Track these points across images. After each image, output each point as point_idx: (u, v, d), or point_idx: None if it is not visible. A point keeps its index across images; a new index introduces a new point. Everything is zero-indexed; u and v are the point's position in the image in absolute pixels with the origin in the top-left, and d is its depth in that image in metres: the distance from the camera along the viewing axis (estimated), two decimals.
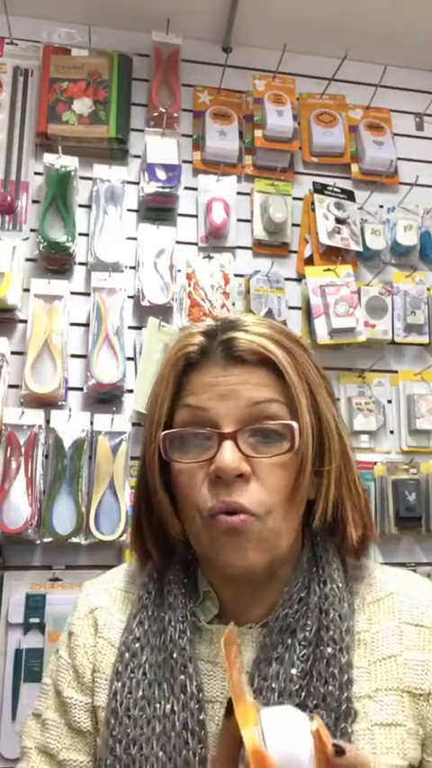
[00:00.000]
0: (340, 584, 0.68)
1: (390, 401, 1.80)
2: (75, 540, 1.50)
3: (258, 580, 0.69)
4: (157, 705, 0.64)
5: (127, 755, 0.63)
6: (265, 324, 0.71)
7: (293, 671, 0.62)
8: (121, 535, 1.51)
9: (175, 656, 0.66)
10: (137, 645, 0.69)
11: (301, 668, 0.63)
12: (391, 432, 1.78)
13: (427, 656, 0.68)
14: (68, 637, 0.78)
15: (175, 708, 0.63)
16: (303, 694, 0.62)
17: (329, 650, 0.64)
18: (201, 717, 0.63)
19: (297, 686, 0.62)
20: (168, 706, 0.64)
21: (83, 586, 0.83)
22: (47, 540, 1.50)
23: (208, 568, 0.73)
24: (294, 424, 0.66)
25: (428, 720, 0.66)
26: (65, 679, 0.75)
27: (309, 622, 0.65)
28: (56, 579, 1.52)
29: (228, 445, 0.64)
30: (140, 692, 0.66)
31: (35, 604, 1.48)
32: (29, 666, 1.45)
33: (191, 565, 0.74)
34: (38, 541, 1.51)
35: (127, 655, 0.69)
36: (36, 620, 1.47)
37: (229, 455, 0.64)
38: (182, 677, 0.65)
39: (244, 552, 0.64)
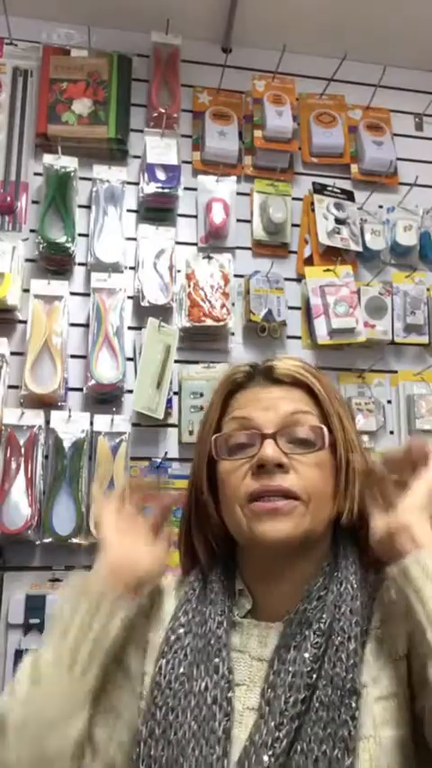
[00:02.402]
0: (355, 585, 0.76)
1: (390, 401, 1.80)
2: (75, 540, 1.50)
3: (287, 579, 0.78)
4: (195, 683, 0.74)
5: (165, 721, 0.73)
6: (298, 359, 0.87)
7: (306, 655, 0.72)
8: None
9: (212, 642, 0.76)
10: (181, 630, 0.79)
11: (314, 653, 0.72)
12: (391, 432, 1.78)
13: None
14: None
15: (209, 685, 0.73)
16: (315, 676, 0.71)
17: (339, 639, 0.73)
18: (229, 695, 0.73)
19: (309, 668, 0.71)
20: (203, 684, 0.74)
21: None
22: (47, 540, 1.50)
23: (246, 566, 0.83)
24: (324, 426, 0.79)
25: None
26: None
27: (324, 616, 0.74)
28: (56, 580, 1.52)
29: (269, 442, 0.77)
30: (182, 669, 0.76)
31: (35, 605, 1.48)
32: None
33: (230, 568, 0.84)
34: (38, 542, 1.51)
35: (172, 637, 0.79)
36: (36, 621, 1.47)
37: (270, 448, 0.76)
38: (216, 660, 0.75)
39: (282, 525, 0.75)
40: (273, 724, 0.69)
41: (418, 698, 0.70)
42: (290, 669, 0.72)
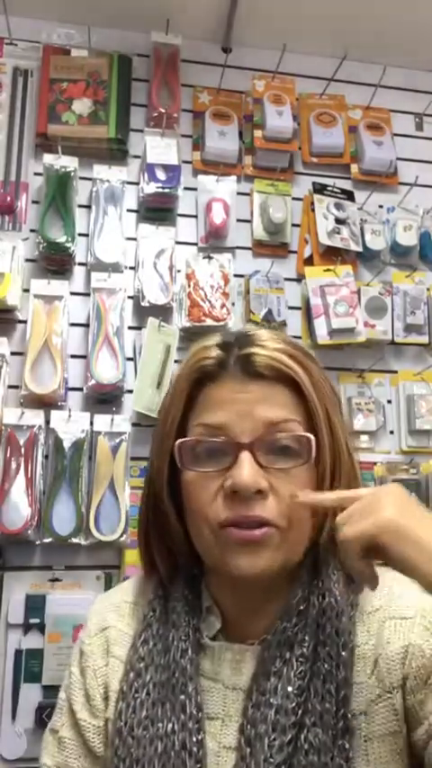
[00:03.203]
0: (339, 598, 0.68)
1: (390, 401, 1.80)
2: (75, 540, 1.50)
3: (261, 592, 0.70)
4: (160, 725, 0.65)
5: None
6: (281, 339, 0.72)
7: (290, 688, 0.63)
8: (120, 535, 1.51)
9: (176, 675, 0.67)
10: (141, 664, 0.70)
11: (298, 685, 0.63)
12: (391, 432, 1.78)
13: (404, 643, 0.66)
14: (80, 655, 0.78)
15: (176, 727, 0.64)
16: (300, 711, 0.62)
17: (326, 666, 0.64)
18: (199, 737, 0.64)
19: (294, 704, 0.62)
20: (170, 725, 0.65)
21: (96, 599, 0.84)
22: (47, 540, 1.50)
23: (213, 580, 0.74)
24: (311, 436, 0.67)
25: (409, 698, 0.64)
26: (77, 699, 0.75)
27: (306, 638, 0.65)
28: (56, 579, 1.52)
29: (245, 456, 0.65)
30: (144, 712, 0.67)
31: (35, 605, 1.48)
32: (29, 667, 1.45)
33: (195, 579, 0.75)
34: (38, 542, 1.51)
35: (131, 674, 0.70)
36: (36, 621, 1.47)
37: (247, 469, 0.64)
38: (182, 696, 0.66)
39: (259, 561, 0.65)
40: None
41: (415, 732, 0.63)
42: (272, 702, 0.63)
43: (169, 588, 0.74)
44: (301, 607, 0.67)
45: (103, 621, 0.78)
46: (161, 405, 0.75)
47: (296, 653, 0.65)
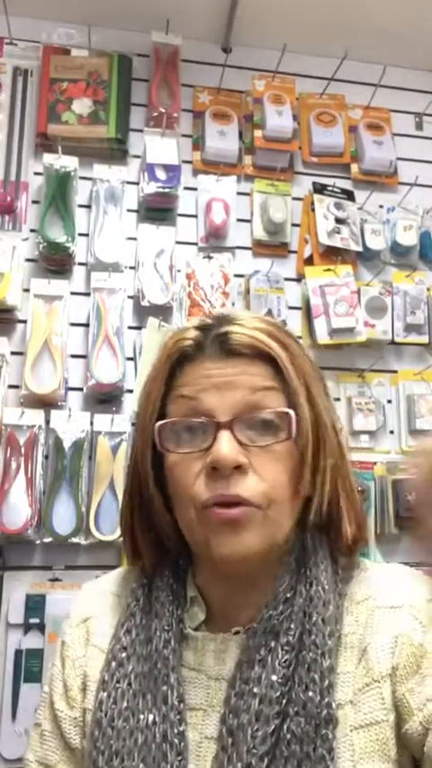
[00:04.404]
0: (326, 587, 0.67)
1: (390, 401, 1.80)
2: (75, 540, 1.50)
3: (246, 579, 0.69)
4: (141, 716, 0.64)
5: (109, 767, 0.63)
6: (260, 318, 0.72)
7: (274, 677, 0.62)
8: (120, 535, 1.51)
9: (159, 665, 0.66)
10: (123, 654, 0.69)
11: (282, 674, 0.62)
12: (391, 432, 1.78)
13: (393, 633, 0.66)
14: (61, 645, 0.77)
15: (157, 719, 0.63)
16: (284, 701, 0.61)
17: (311, 655, 0.63)
18: (181, 728, 0.63)
19: (278, 693, 0.61)
20: (151, 717, 0.64)
21: (81, 589, 0.83)
22: (47, 540, 1.50)
23: (199, 569, 0.73)
24: (291, 411, 0.66)
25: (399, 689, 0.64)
26: (57, 690, 0.75)
27: (292, 626, 0.64)
28: (56, 579, 1.52)
29: (224, 435, 0.64)
30: (125, 703, 0.65)
31: (35, 605, 1.48)
32: (29, 667, 1.45)
33: (180, 569, 0.74)
34: (38, 542, 1.51)
35: (113, 664, 0.68)
36: (36, 621, 1.47)
37: (225, 446, 0.63)
38: (164, 687, 0.65)
39: (242, 542, 0.64)
40: (240, 766, 0.59)
41: (407, 723, 0.62)
42: (255, 691, 0.61)
43: (153, 578, 0.73)
44: (288, 595, 0.67)
45: (85, 612, 0.77)
46: (141, 391, 0.74)
47: (281, 641, 0.64)
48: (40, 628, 1.47)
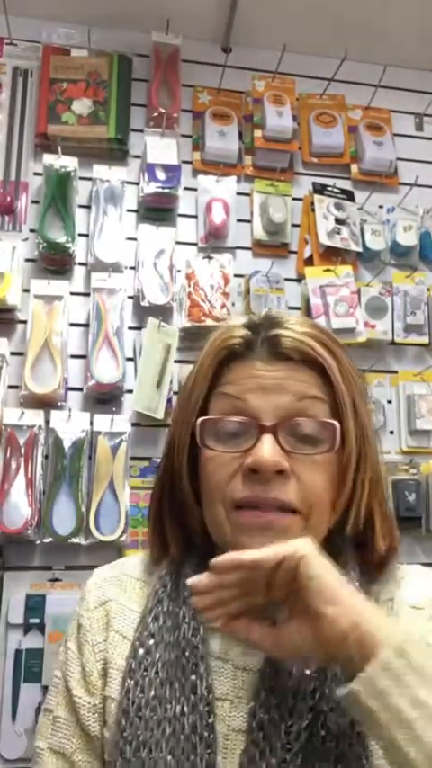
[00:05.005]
0: (356, 584, 0.66)
1: (390, 401, 1.80)
2: (75, 540, 1.50)
3: None
4: (168, 706, 0.63)
5: (137, 758, 0.61)
6: (309, 323, 0.71)
7: (308, 671, 0.61)
8: (121, 535, 1.51)
9: (187, 654, 0.65)
10: (151, 641, 0.67)
11: (316, 668, 0.61)
12: (391, 432, 1.78)
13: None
14: (78, 629, 0.75)
15: (186, 709, 0.62)
16: (317, 696, 0.61)
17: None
18: (210, 720, 0.62)
19: (312, 687, 0.60)
20: (179, 707, 0.63)
21: (93, 573, 0.82)
22: (47, 540, 1.50)
23: None
24: (336, 423, 0.66)
25: None
26: (73, 676, 0.73)
27: None
28: (56, 579, 1.52)
29: (267, 438, 0.63)
30: (153, 692, 0.64)
31: (35, 605, 1.48)
32: (29, 667, 1.45)
33: (209, 557, 0.73)
34: (38, 542, 1.51)
35: (141, 651, 0.67)
36: (36, 621, 1.47)
37: (268, 449, 0.63)
38: (193, 677, 0.64)
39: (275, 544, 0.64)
40: (274, 761, 0.58)
41: None
42: (288, 685, 0.60)
43: (181, 565, 0.72)
44: None
45: (104, 595, 0.76)
46: (183, 383, 0.73)
47: None
48: (40, 628, 1.47)
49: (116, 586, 0.77)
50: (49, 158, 1.69)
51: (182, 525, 0.73)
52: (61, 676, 0.74)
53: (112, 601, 0.75)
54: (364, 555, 0.70)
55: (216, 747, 0.61)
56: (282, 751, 0.58)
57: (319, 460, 0.65)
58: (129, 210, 1.76)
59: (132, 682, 0.65)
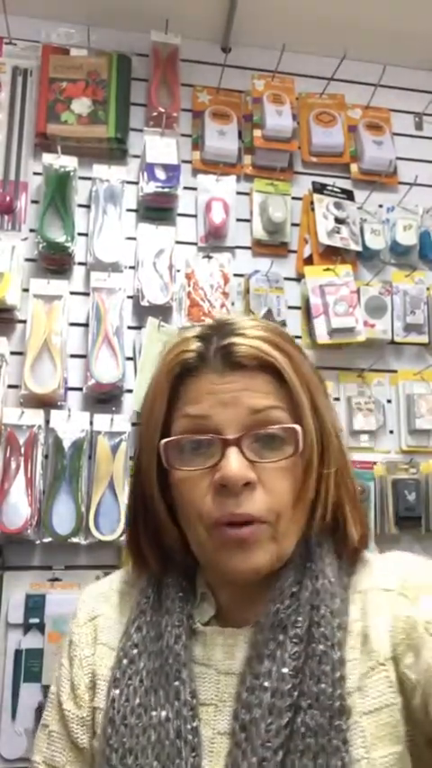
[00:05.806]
0: (333, 579, 0.67)
1: (389, 401, 1.80)
2: (74, 540, 1.50)
3: (256, 581, 0.69)
4: (153, 713, 0.64)
5: (123, 765, 0.62)
6: (262, 327, 0.71)
7: (285, 670, 0.62)
8: (120, 535, 1.51)
9: (170, 661, 0.66)
10: (135, 651, 0.69)
11: (293, 666, 0.62)
12: (391, 431, 1.78)
13: (389, 614, 0.66)
14: (69, 645, 0.77)
15: (170, 715, 0.63)
16: (296, 694, 0.61)
17: (321, 647, 0.63)
18: (194, 724, 0.63)
19: (289, 685, 0.61)
20: (164, 713, 0.64)
21: (83, 590, 0.84)
22: (47, 540, 1.50)
23: (208, 571, 0.73)
24: (298, 427, 0.66)
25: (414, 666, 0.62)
26: (64, 690, 0.75)
27: (300, 618, 0.65)
28: (56, 579, 1.52)
29: (232, 452, 0.64)
30: (137, 700, 0.65)
31: (35, 604, 1.48)
32: (29, 667, 1.45)
33: (190, 568, 0.74)
34: (38, 541, 1.51)
35: (125, 661, 0.68)
36: (36, 621, 1.47)
37: (234, 463, 0.64)
38: (176, 683, 0.65)
39: (252, 560, 0.65)
40: (255, 760, 0.58)
41: (413, 699, 0.62)
42: (266, 685, 0.61)
43: (163, 576, 0.73)
44: (294, 589, 0.67)
45: (92, 611, 0.78)
46: (143, 402, 0.74)
47: (290, 634, 0.64)
48: (40, 628, 1.47)
49: (103, 602, 0.78)
50: (48, 158, 1.69)
51: (159, 546, 0.74)
52: (55, 692, 0.76)
53: (101, 616, 0.77)
54: (338, 546, 0.71)
55: (201, 751, 0.62)
56: (262, 749, 0.59)
57: (285, 465, 0.66)
58: (128, 210, 1.76)
59: (117, 691, 0.67)
